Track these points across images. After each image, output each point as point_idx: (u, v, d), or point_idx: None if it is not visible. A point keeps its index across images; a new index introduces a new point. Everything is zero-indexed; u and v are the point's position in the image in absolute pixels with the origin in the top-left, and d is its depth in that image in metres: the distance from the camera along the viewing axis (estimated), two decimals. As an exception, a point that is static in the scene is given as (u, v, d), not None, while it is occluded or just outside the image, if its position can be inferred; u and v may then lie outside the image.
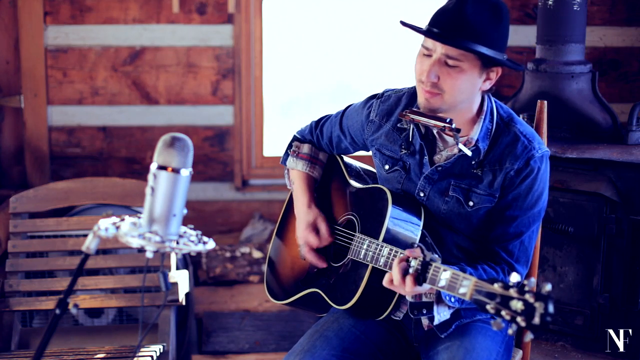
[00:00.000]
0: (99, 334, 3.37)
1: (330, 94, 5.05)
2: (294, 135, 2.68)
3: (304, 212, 2.53)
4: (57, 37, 4.30)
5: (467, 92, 2.21)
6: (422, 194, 2.34)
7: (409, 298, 2.23)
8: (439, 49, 2.17)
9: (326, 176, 2.63)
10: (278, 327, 3.97)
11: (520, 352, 2.53)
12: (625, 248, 3.37)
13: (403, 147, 2.37)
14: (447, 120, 2.19)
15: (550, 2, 3.55)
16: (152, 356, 2.84)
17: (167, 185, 1.76)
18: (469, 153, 2.25)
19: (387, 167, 2.41)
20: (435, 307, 2.20)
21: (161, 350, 2.96)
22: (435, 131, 2.31)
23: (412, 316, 2.28)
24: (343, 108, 2.59)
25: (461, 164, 2.29)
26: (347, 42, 4.84)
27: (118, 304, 3.17)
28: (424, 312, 2.25)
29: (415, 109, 2.28)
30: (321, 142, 2.61)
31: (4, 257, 3.49)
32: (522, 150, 2.25)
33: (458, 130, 2.20)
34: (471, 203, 2.28)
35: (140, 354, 2.84)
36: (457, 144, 2.24)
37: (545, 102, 2.54)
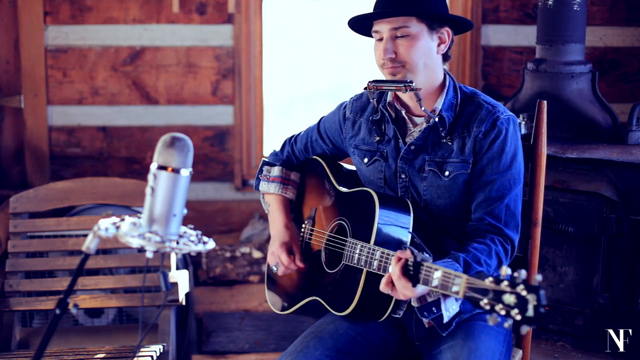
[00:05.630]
0: (99, 334, 3.38)
1: (330, 94, 5.05)
2: (263, 161, 2.75)
3: (280, 232, 2.58)
4: (57, 37, 4.30)
5: (424, 55, 2.31)
6: (403, 176, 2.40)
7: (414, 304, 2.23)
8: (385, 26, 2.31)
9: (313, 181, 2.65)
10: (278, 327, 3.97)
11: (520, 352, 2.53)
12: (625, 248, 3.37)
13: (378, 136, 2.45)
14: (408, 81, 2.29)
15: (550, 2, 3.55)
16: (152, 356, 2.84)
17: (167, 185, 1.76)
18: (436, 119, 2.33)
19: (366, 160, 2.47)
20: (442, 304, 2.17)
21: (161, 350, 2.96)
22: (403, 112, 2.41)
23: (423, 319, 2.27)
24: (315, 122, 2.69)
25: (432, 137, 2.37)
26: (347, 42, 4.84)
27: (118, 304, 3.17)
28: (435, 310, 2.25)
29: (376, 79, 2.38)
30: (295, 149, 2.67)
31: (4, 257, 3.49)
32: (487, 114, 2.34)
33: (418, 90, 2.29)
34: (447, 173, 2.34)
35: (140, 354, 2.84)
36: (420, 106, 2.31)
37: (545, 102, 2.55)
